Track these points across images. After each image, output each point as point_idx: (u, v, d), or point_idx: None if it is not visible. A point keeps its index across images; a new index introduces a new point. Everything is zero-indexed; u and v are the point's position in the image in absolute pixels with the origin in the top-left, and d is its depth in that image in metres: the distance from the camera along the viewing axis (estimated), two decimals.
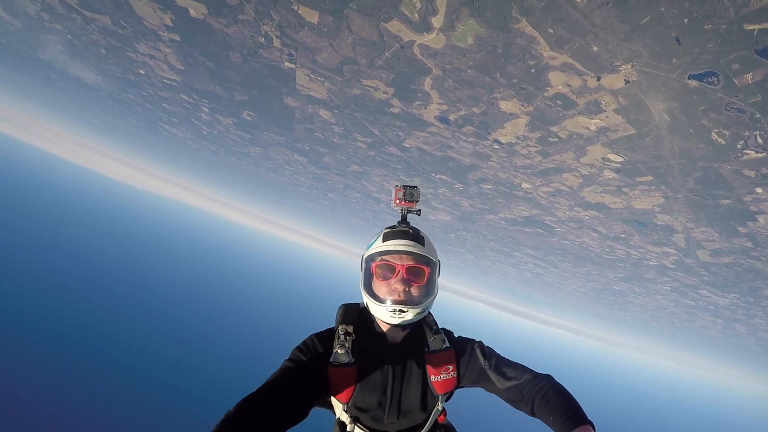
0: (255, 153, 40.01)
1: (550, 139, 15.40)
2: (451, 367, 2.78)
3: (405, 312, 2.64)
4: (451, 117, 16.35)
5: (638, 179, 16.26)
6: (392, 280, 2.68)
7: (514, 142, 16.71)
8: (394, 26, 12.00)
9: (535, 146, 16.47)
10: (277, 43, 15.48)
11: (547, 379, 2.71)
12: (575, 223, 24.87)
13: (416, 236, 2.82)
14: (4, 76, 54.40)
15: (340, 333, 2.73)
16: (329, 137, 24.86)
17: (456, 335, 3.03)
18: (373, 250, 2.80)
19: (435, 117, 16.87)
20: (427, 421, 2.84)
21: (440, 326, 2.98)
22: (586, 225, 24.45)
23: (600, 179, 17.47)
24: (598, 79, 11.12)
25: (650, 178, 15.77)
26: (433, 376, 2.76)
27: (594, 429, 2.33)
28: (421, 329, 2.91)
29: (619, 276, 36.28)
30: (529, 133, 15.58)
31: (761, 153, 11.75)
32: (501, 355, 2.93)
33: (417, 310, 2.69)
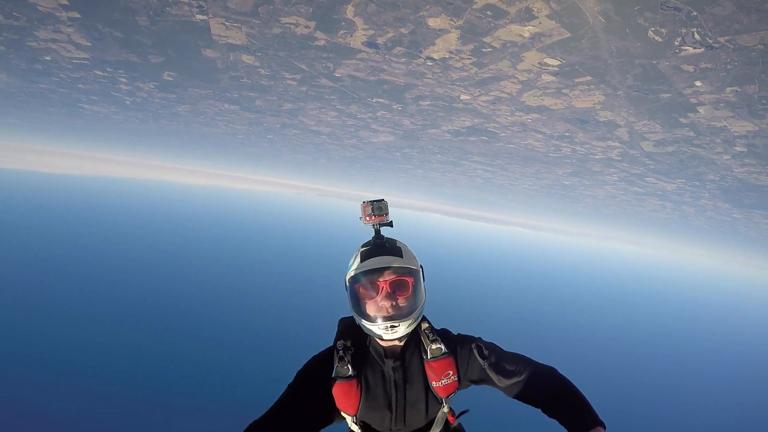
0: (184, 111, 39.23)
1: (484, 50, 14.94)
2: (451, 372, 2.72)
3: (397, 326, 2.60)
4: (379, 41, 15.67)
5: (577, 80, 16.05)
6: (378, 298, 2.63)
7: (447, 57, 16.21)
8: None
9: (470, 58, 15.99)
10: None
11: (551, 373, 2.66)
12: (518, 127, 24.87)
13: (393, 249, 2.76)
14: None
15: (339, 348, 2.72)
16: (257, 81, 24.14)
17: (455, 333, 2.96)
18: (353, 271, 2.72)
19: (362, 43, 16.17)
20: (434, 423, 2.82)
21: (436, 327, 2.91)
22: (529, 128, 24.48)
23: (539, 83, 17.23)
24: None
25: (589, 78, 15.57)
26: (434, 382, 2.71)
27: (605, 429, 2.26)
28: (417, 337, 2.85)
29: (567, 172, 36.89)
30: (461, 47, 15.07)
31: (699, 48, 11.58)
32: (501, 349, 2.84)
33: (408, 322, 2.65)
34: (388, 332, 2.60)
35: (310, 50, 17.90)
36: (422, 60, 16.97)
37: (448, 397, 2.74)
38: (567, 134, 24.22)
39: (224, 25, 16.48)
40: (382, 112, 26.66)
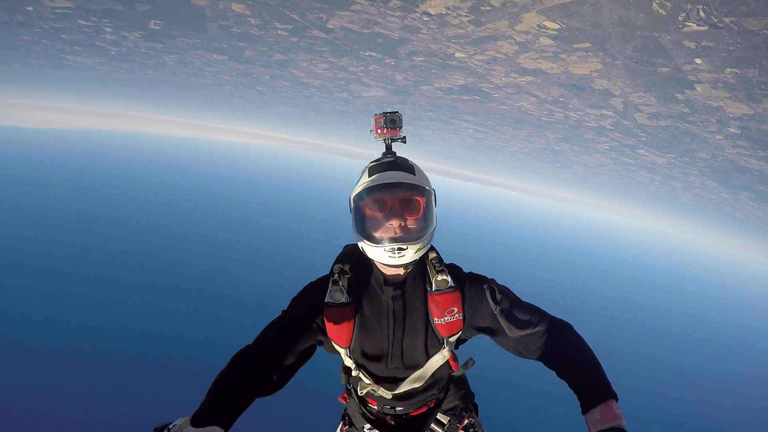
0: (171, 61, 38.55)
1: (483, 7, 14.60)
2: (456, 309, 2.47)
3: (404, 249, 2.32)
4: None
5: (576, 46, 15.76)
6: (385, 216, 2.36)
7: (444, 12, 15.81)
8: None
9: (467, 16, 15.61)
10: None
11: (566, 330, 2.45)
12: (512, 89, 24.64)
13: (405, 165, 2.47)
14: None
15: (335, 272, 2.53)
16: (247, 30, 23.57)
17: (466, 271, 2.67)
18: (360, 187, 2.43)
19: None
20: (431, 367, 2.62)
21: (446, 262, 2.64)
22: (523, 90, 24.27)
23: (536, 46, 16.90)
24: None
25: (588, 44, 15.30)
26: (436, 319, 2.48)
27: (617, 401, 2.10)
28: (423, 267, 2.58)
29: (558, 137, 36.91)
30: (459, 3, 14.72)
31: (703, 26, 11.36)
32: (515, 295, 2.59)
33: (417, 246, 2.35)
34: (394, 256, 2.33)
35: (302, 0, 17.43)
36: (418, 14, 16.55)
37: (449, 337, 2.52)
38: (561, 99, 24.01)
39: None
40: (374, 65, 26.22)
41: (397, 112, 2.64)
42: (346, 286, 2.48)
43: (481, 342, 2.66)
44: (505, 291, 2.55)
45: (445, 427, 2.87)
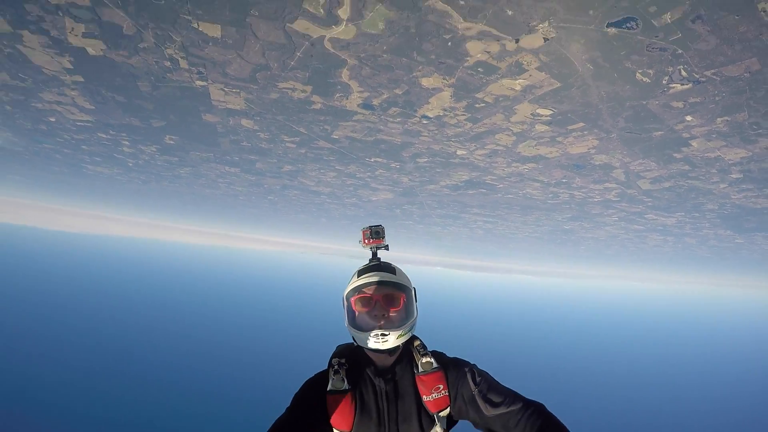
0: (185, 173, 39.47)
1: (477, 105, 15.31)
2: (441, 386, 2.75)
3: (387, 335, 2.73)
4: (375, 102, 16.09)
5: (570, 127, 16.39)
6: (371, 310, 2.80)
7: (442, 114, 16.59)
8: (301, 25, 11.59)
9: (464, 114, 16.37)
10: (183, 63, 14.94)
11: (538, 409, 2.58)
12: (516, 177, 25.06)
13: (387, 267, 2.97)
14: None
15: (334, 364, 2.81)
16: (256, 144, 24.52)
17: (450, 356, 2.99)
18: (350, 287, 2.91)
19: (358, 105, 16.61)
20: None
21: (429, 349, 2.96)
22: (526, 177, 24.67)
23: (533, 134, 17.56)
24: (517, 41, 10.97)
25: (582, 124, 15.91)
26: (425, 396, 2.75)
27: None
28: (409, 353, 2.94)
29: (567, 216, 36.92)
30: (455, 104, 15.45)
31: (687, 84, 11.93)
32: (494, 379, 2.82)
33: (398, 333, 2.77)
34: (378, 341, 2.72)
35: (308, 113, 18.31)
36: (417, 119, 17.34)
37: (439, 412, 2.75)
38: (564, 180, 24.40)
39: (223, 90, 16.89)
40: (380, 170, 26.97)
41: (380, 225, 3.20)
42: (344, 375, 2.76)
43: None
44: (484, 374, 2.83)
45: None
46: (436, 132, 18.76)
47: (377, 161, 24.71)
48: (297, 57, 13.45)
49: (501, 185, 27.26)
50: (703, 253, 54.34)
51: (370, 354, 2.87)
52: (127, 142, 29.25)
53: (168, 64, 15.14)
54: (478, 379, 2.78)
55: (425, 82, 13.91)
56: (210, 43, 13.16)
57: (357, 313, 2.85)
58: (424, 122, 17.69)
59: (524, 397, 2.66)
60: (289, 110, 18.28)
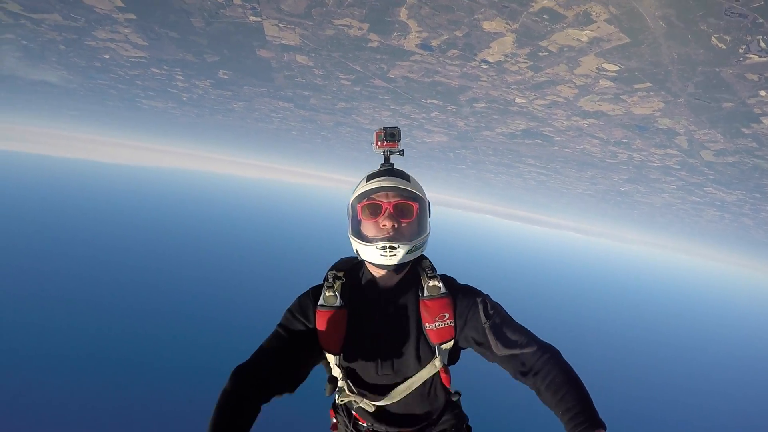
0: (239, 108, 40.07)
1: (540, 53, 14.67)
2: (447, 315, 2.55)
3: (396, 248, 2.47)
4: (433, 43, 15.55)
5: (636, 86, 15.64)
6: (380, 218, 2.55)
7: (502, 60, 15.97)
8: None
9: (525, 62, 15.74)
10: None
11: (554, 356, 2.41)
12: (575, 132, 24.43)
13: (401, 174, 2.70)
14: None
15: (329, 277, 2.64)
16: (311, 80, 24.24)
17: (461, 283, 2.77)
18: (358, 192, 2.64)
19: (416, 45, 16.10)
20: (429, 387, 2.67)
21: (440, 272, 2.72)
22: (585, 133, 24.03)
23: (596, 89, 16.86)
24: None
25: (648, 84, 15.15)
26: (427, 324, 2.56)
27: (605, 431, 2.08)
28: (416, 274, 2.72)
29: (623, 178, 36.20)
30: (517, 50, 14.84)
31: (765, 57, 11.13)
32: (508, 314, 2.62)
33: (408, 247, 2.51)
34: (385, 255, 2.48)
35: (364, 51, 17.90)
36: (477, 63, 16.79)
37: (441, 344, 2.57)
38: (624, 140, 23.65)
39: (278, 26, 16.61)
40: (435, 113, 26.51)
41: (396, 127, 2.86)
42: (339, 291, 2.58)
43: (477, 364, 2.73)
44: (498, 307, 2.62)
45: None
46: (495, 78, 18.16)
47: (433, 103, 24.22)
48: None
49: (559, 138, 26.60)
50: (759, 236, 52.94)
51: (372, 270, 2.68)
52: (180, 77, 29.59)
53: None
54: (491, 311, 2.57)
55: (487, 25, 13.35)
56: None
57: (363, 222, 2.61)
58: (484, 67, 17.11)
59: (539, 339, 2.50)
60: (345, 47, 17.89)
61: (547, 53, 14.54)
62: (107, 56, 25.71)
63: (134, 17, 18.13)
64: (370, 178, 2.66)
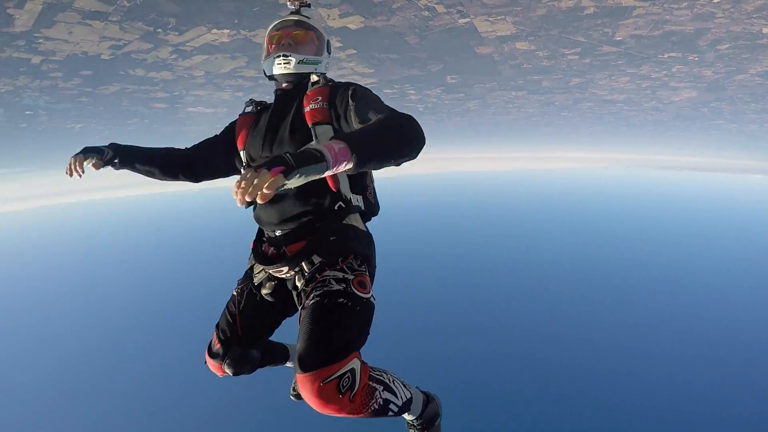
0: (474, 106, 41.42)
1: None
2: (320, 98, 2.75)
3: (288, 56, 2.90)
4: None
5: None
6: (279, 42, 3.01)
7: None
8: None
9: None
10: (440, 8, 15.36)
11: (401, 115, 2.24)
12: None
13: (303, 15, 3.12)
14: None
15: (255, 99, 3.22)
16: (537, 63, 24.23)
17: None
18: (268, 31, 3.13)
19: None
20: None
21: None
22: None
23: None
24: None
25: None
26: (305, 107, 2.78)
27: (354, 155, 1.79)
28: (309, 80, 3.00)
29: None
30: None
31: None
32: (380, 100, 2.61)
33: (300, 57, 2.93)
34: (280, 63, 2.90)
35: (582, 21, 17.31)
36: None
37: (316, 125, 2.69)
38: None
39: (488, 21, 16.92)
40: (677, 66, 24.76)
41: None
42: (256, 104, 3.16)
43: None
44: (369, 94, 2.64)
45: (305, 272, 2.68)
46: (732, 10, 16.23)
47: (671, 57, 22.61)
48: None
49: None
50: None
51: (276, 86, 3.10)
52: (412, 91, 31.48)
53: (426, 13, 15.74)
54: (359, 94, 2.62)
55: None
56: None
57: (269, 48, 3.08)
58: (716, 1, 15.41)
59: (396, 111, 2.32)
60: (561, 22, 17.46)
61: None
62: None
63: (354, 51, 20.32)
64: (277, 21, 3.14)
